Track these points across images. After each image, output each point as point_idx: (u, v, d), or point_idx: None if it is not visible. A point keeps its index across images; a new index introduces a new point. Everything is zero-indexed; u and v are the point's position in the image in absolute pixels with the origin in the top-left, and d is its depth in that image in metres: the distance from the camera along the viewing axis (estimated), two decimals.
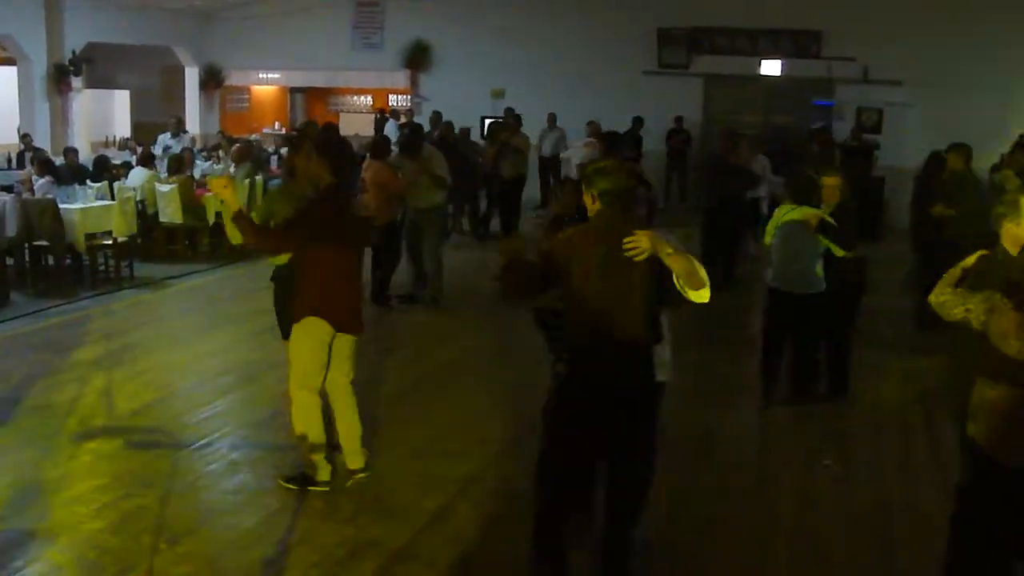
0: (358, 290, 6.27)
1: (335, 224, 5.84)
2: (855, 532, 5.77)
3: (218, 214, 13.75)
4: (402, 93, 22.89)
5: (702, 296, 4.32)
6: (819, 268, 7.52)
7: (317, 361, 5.98)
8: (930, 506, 6.12)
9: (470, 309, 10.97)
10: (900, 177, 16.25)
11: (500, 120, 17.33)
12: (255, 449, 6.85)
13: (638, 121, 18.65)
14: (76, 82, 19.64)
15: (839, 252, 7.45)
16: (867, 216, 14.47)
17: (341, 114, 25.05)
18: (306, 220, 5.79)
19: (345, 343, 6.09)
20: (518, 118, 17.00)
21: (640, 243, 4.23)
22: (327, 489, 6.04)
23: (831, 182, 7.62)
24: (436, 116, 17.88)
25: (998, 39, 17.57)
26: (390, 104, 23.71)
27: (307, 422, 6.04)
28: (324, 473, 6.11)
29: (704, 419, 7.55)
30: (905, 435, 7.47)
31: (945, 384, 8.07)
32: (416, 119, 18.26)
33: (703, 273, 4.28)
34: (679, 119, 19.50)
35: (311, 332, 5.92)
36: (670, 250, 4.22)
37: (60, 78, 19.27)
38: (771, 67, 19.62)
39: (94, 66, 20.41)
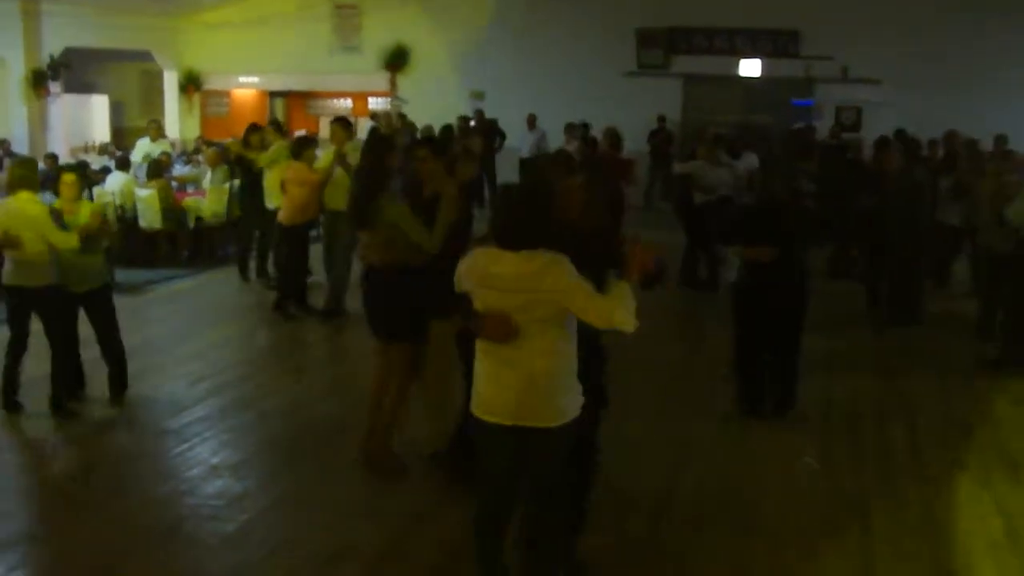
0: None
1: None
2: (837, 529, 5.78)
3: (198, 219, 13.74)
4: (382, 95, 22.85)
5: None
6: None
7: None
8: (910, 499, 6.18)
9: None
10: None
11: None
12: (236, 453, 6.84)
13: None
14: (54, 87, 19.53)
15: None
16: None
17: (321, 118, 24.94)
18: None
19: None
20: (467, 120, 17.62)
21: None
22: None
23: None
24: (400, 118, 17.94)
25: (976, 36, 17.70)
26: (370, 107, 23.65)
27: (444, 409, 6.29)
28: None
29: (683, 420, 7.57)
30: (882, 430, 7.50)
31: None
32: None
33: None
34: (662, 119, 19.56)
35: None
36: None
37: (38, 83, 19.14)
38: (750, 67, 19.70)
39: (72, 71, 20.28)
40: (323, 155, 10.62)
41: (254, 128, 12.47)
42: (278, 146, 11.44)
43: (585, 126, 17.14)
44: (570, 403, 4.36)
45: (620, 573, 5.13)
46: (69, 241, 7.17)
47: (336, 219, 10.23)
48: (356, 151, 10.02)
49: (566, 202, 4.83)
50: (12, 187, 7.31)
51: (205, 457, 6.73)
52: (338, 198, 9.81)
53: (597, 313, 4.15)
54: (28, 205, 7.15)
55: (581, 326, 4.32)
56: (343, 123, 10.53)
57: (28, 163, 7.98)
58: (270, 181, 11.26)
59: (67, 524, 5.71)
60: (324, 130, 21.73)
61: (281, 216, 10.46)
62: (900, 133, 13.08)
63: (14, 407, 7.41)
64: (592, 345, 4.68)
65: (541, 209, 4.31)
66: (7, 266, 7.34)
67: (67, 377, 7.55)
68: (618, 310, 4.15)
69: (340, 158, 9.91)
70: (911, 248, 10.37)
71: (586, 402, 4.46)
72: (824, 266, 12.28)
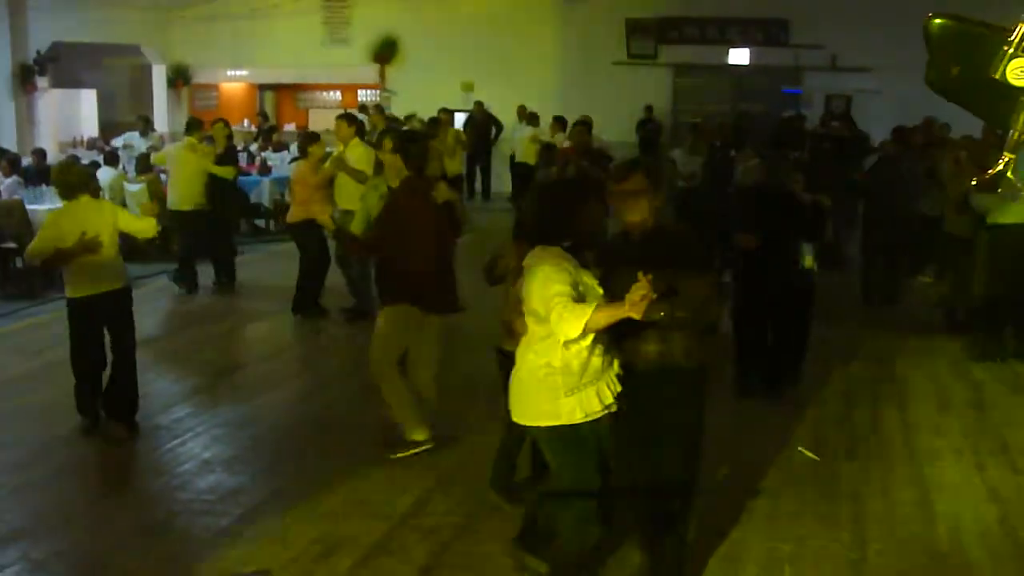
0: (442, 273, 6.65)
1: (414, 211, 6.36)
2: (830, 517, 5.77)
3: None
4: (372, 88, 22.82)
5: None
6: None
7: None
8: (903, 486, 6.19)
9: None
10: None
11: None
12: (228, 448, 6.82)
13: None
14: (42, 82, 19.44)
15: None
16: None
17: (310, 110, 24.88)
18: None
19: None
20: (449, 112, 17.49)
21: None
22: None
23: None
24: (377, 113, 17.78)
25: None
26: (359, 99, 23.60)
27: (391, 396, 6.49)
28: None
29: None
30: (876, 416, 7.51)
31: None
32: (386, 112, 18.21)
33: None
34: (649, 109, 19.55)
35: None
36: None
37: (25, 78, 19.06)
38: (740, 56, 19.70)
39: (60, 65, 20.20)
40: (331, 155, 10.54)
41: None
42: (172, 148, 11.48)
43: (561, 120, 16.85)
44: (551, 407, 4.23)
45: (616, 567, 5.12)
46: (152, 224, 7.06)
47: (346, 218, 10.11)
48: (357, 149, 9.95)
49: (632, 205, 4.37)
50: (69, 193, 6.83)
51: (197, 452, 6.71)
52: (347, 197, 9.71)
53: (552, 317, 4.01)
54: (96, 205, 6.92)
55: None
56: (349, 118, 10.33)
57: (71, 166, 7.79)
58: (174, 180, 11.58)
59: (60, 521, 5.69)
60: (313, 123, 21.81)
61: (289, 214, 10.37)
62: (897, 129, 13.12)
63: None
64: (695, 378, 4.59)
65: (557, 208, 4.28)
66: (76, 277, 6.73)
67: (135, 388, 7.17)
68: (560, 318, 3.98)
69: (339, 162, 9.80)
70: (895, 236, 10.48)
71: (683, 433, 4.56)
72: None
